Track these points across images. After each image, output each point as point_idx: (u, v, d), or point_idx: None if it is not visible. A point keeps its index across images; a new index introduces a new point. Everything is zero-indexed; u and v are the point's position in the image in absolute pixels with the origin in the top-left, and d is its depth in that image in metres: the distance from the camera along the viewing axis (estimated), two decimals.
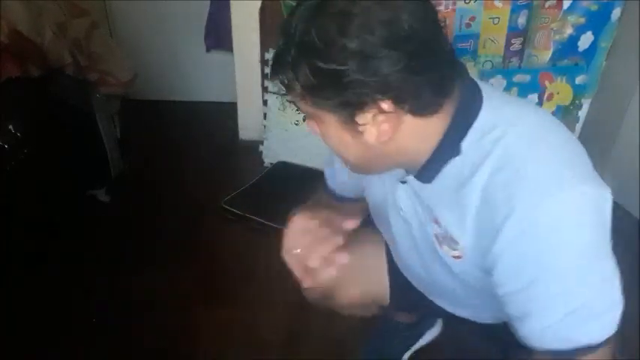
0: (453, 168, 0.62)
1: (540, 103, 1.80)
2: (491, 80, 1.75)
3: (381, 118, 0.58)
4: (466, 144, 0.61)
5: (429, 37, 0.56)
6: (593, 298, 0.59)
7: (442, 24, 0.59)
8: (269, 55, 1.90)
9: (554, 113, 1.83)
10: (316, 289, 0.82)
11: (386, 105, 0.56)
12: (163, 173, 1.98)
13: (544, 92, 1.79)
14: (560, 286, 0.58)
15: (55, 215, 1.61)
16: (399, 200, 0.74)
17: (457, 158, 0.62)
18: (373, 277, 0.94)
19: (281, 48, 0.58)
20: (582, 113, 1.95)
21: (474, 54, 1.76)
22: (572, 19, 1.76)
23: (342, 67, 0.53)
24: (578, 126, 1.97)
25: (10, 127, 1.48)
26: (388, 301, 0.96)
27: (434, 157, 0.63)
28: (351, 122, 0.59)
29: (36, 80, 1.51)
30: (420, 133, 0.61)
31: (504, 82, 1.76)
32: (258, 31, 1.92)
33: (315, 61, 0.54)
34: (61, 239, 1.57)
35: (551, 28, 1.78)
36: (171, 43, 2.46)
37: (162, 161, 2.06)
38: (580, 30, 1.79)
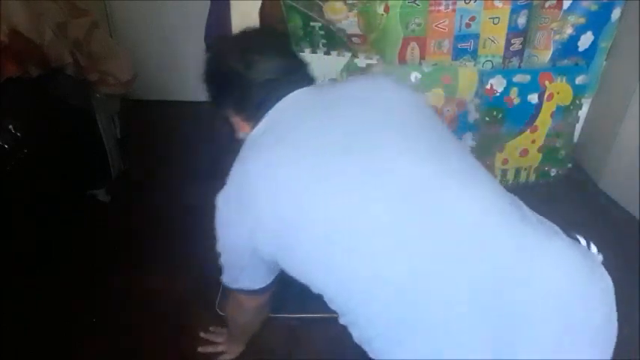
0: None
1: (540, 103, 1.80)
2: (491, 80, 1.75)
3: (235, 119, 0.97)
4: None
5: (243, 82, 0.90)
6: None
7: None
8: None
9: (554, 113, 1.83)
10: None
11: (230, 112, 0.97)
12: (163, 173, 1.98)
13: (544, 92, 1.79)
14: None
15: (55, 215, 1.61)
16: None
17: None
18: None
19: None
20: (582, 113, 1.95)
21: (474, 54, 1.75)
22: (572, 19, 1.76)
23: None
24: (578, 126, 1.97)
25: (10, 127, 1.48)
26: None
27: None
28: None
29: (36, 80, 1.51)
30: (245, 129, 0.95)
31: (504, 82, 1.76)
32: None
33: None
34: (61, 239, 1.57)
35: (551, 28, 1.78)
36: (171, 43, 2.46)
37: (162, 161, 2.06)
38: (580, 30, 1.78)
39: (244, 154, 0.88)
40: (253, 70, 0.90)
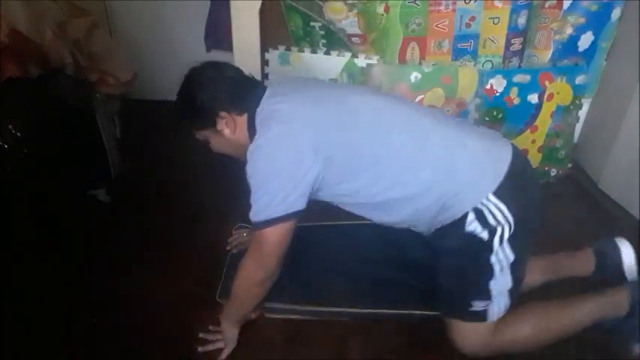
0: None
1: (540, 103, 1.80)
2: (492, 80, 1.75)
3: (226, 121, 1.13)
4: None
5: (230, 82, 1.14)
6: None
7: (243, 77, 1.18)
8: (269, 55, 1.90)
9: (554, 113, 1.83)
10: None
11: (223, 114, 1.13)
12: (163, 173, 1.98)
13: (544, 92, 1.79)
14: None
15: (55, 215, 1.61)
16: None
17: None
18: None
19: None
20: (582, 113, 1.95)
21: (474, 54, 1.76)
22: (572, 19, 1.76)
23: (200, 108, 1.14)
24: (578, 126, 1.97)
25: (10, 127, 1.48)
26: None
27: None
28: (216, 130, 1.15)
29: (36, 80, 1.51)
30: (242, 123, 1.13)
31: (504, 82, 1.76)
32: (258, 31, 1.91)
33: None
34: (61, 239, 1.57)
35: (551, 28, 1.78)
36: (171, 43, 2.46)
37: (162, 161, 2.06)
38: (580, 30, 1.79)
39: (268, 106, 1.09)
40: (230, 71, 1.17)
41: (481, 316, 1.10)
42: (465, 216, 1.04)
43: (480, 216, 1.04)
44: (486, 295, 1.09)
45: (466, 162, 1.06)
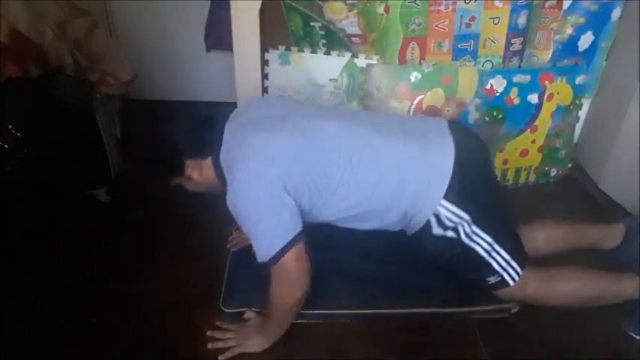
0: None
1: (540, 103, 1.80)
2: (492, 80, 1.75)
3: (191, 168, 1.24)
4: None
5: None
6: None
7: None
8: (269, 55, 1.90)
9: (554, 113, 1.83)
10: None
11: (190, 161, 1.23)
12: (163, 173, 1.98)
13: (544, 92, 1.79)
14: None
15: (55, 215, 1.61)
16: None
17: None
18: None
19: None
20: (582, 113, 1.95)
21: (474, 54, 1.76)
22: (572, 19, 1.76)
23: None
24: (578, 126, 1.97)
25: (10, 127, 1.48)
26: None
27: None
28: (185, 177, 1.26)
29: (36, 80, 1.51)
30: (207, 164, 1.21)
31: (504, 82, 1.76)
32: (258, 31, 1.91)
33: None
34: (61, 239, 1.57)
35: (551, 28, 1.78)
36: (171, 43, 2.46)
37: (162, 161, 2.06)
38: (580, 30, 1.79)
39: (231, 149, 1.17)
40: (187, 121, 1.31)
41: (502, 284, 1.23)
42: (429, 222, 1.17)
43: (439, 221, 1.16)
44: (491, 271, 1.21)
45: (415, 175, 1.16)
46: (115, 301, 1.34)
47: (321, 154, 1.14)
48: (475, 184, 1.19)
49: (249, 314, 1.27)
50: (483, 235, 1.18)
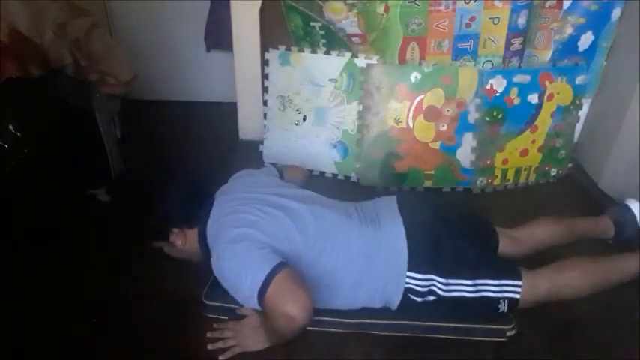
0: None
1: (540, 103, 1.80)
2: (491, 80, 1.75)
3: (177, 235, 1.30)
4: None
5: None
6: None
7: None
8: (269, 55, 1.90)
9: (554, 113, 1.83)
10: None
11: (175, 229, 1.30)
12: (163, 173, 1.98)
13: (544, 92, 1.79)
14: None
15: (55, 215, 1.61)
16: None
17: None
18: None
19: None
20: (582, 113, 1.95)
21: (474, 54, 1.76)
22: (572, 19, 1.76)
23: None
24: (578, 126, 1.97)
25: (10, 127, 1.48)
26: None
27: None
28: (168, 242, 1.31)
29: (36, 80, 1.51)
30: (192, 235, 1.29)
31: (504, 82, 1.76)
32: (258, 31, 1.92)
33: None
34: (61, 239, 1.57)
35: (551, 28, 1.78)
36: (171, 43, 2.46)
37: (162, 161, 2.06)
38: (580, 30, 1.79)
39: (218, 220, 1.25)
40: (180, 188, 1.35)
41: (513, 304, 1.22)
42: (406, 293, 1.21)
43: (414, 291, 1.21)
44: (493, 301, 1.21)
45: (379, 258, 1.22)
46: (115, 301, 1.34)
47: (303, 238, 1.20)
48: (430, 248, 1.24)
49: (244, 310, 1.26)
50: (460, 281, 1.21)
